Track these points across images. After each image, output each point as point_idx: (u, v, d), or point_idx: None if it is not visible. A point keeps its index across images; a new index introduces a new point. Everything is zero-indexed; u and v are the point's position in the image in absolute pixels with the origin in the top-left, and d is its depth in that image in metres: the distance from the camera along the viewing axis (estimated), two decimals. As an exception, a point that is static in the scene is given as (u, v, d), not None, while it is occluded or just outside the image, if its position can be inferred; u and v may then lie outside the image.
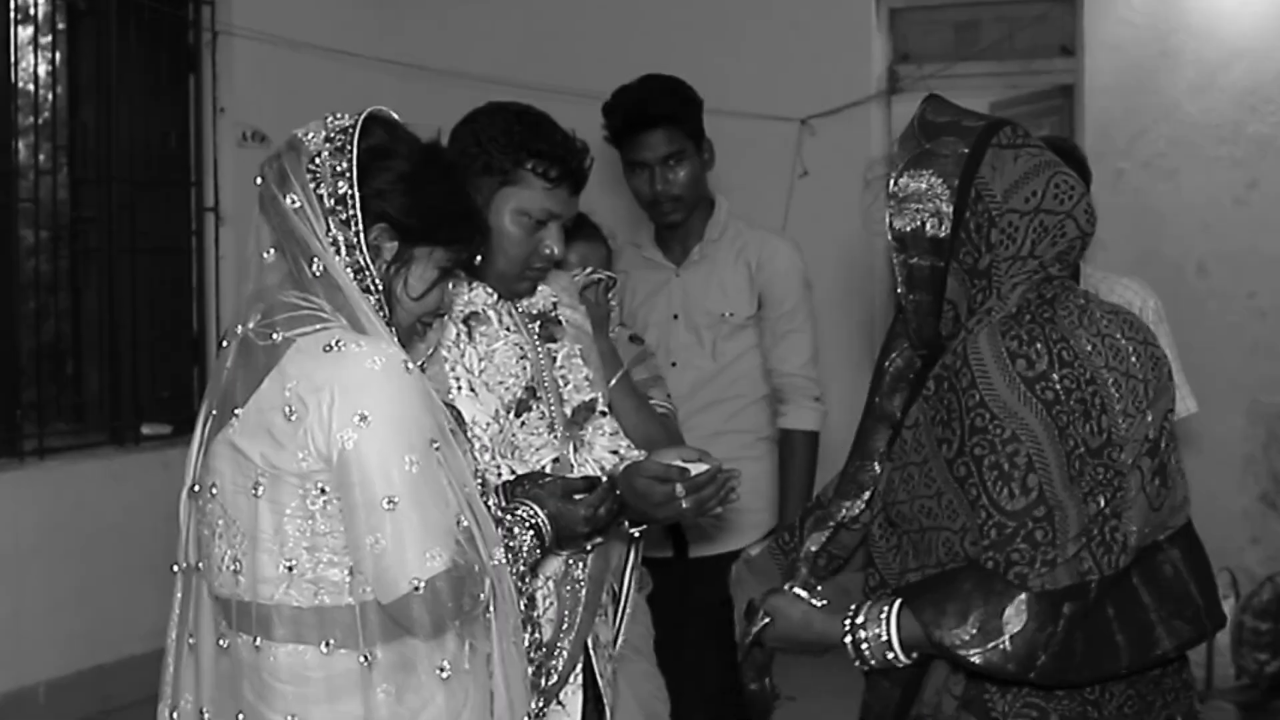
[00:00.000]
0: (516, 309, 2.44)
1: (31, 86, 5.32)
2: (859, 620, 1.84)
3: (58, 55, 5.44)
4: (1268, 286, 5.45)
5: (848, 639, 1.85)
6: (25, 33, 5.22)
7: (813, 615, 1.95)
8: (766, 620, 1.99)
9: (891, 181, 1.90)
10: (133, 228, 5.49)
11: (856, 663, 1.88)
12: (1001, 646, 1.69)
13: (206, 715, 1.84)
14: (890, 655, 1.81)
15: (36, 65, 5.30)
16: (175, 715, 1.91)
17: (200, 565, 1.87)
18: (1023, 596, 1.69)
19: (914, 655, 1.80)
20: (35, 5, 5.09)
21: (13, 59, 4.97)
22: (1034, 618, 1.69)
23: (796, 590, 2.02)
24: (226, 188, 5.79)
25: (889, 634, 1.80)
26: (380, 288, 1.83)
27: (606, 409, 2.52)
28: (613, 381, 2.69)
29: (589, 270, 2.79)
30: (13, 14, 4.94)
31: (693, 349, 3.44)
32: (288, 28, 5.89)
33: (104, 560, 5.18)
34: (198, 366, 5.81)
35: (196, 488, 1.87)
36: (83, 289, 5.56)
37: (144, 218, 5.58)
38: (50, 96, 5.35)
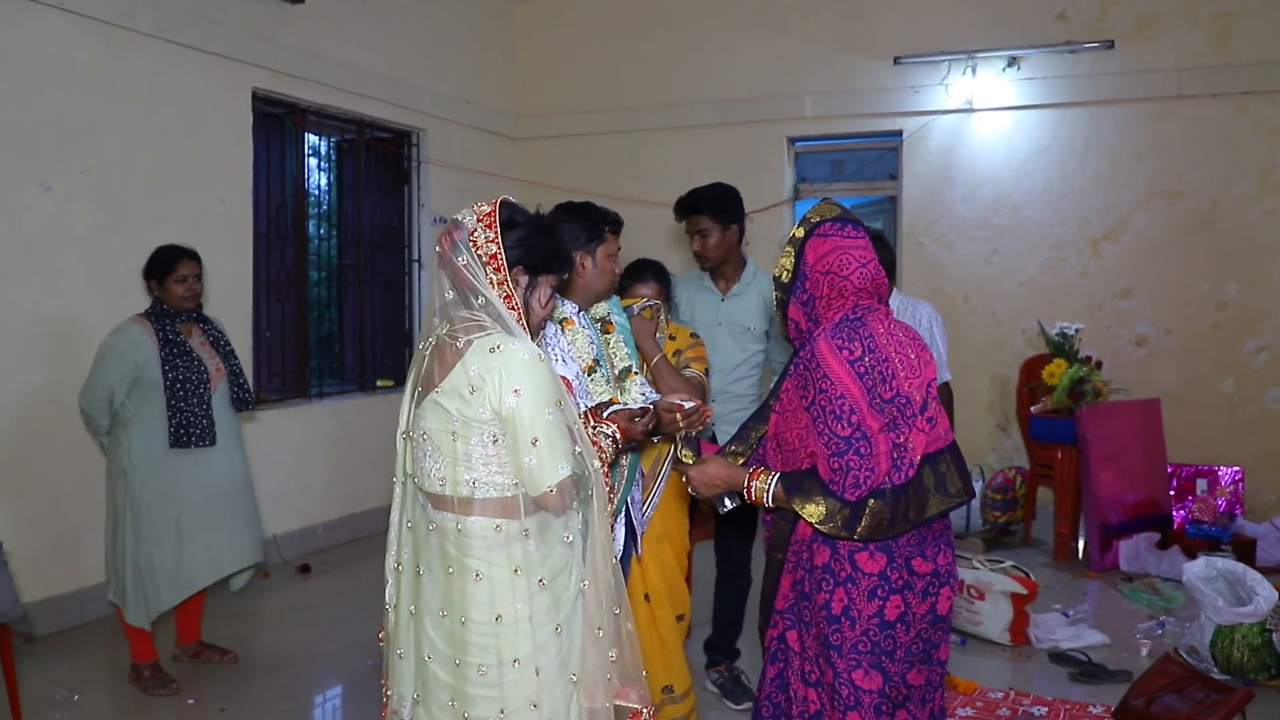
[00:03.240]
0: (587, 314, 2.73)
1: (316, 190, 6.75)
2: (755, 480, 2.23)
3: (332, 173, 6.87)
4: (1002, 308, 6.99)
5: (744, 483, 2.23)
6: (313, 160, 6.66)
7: (732, 467, 2.32)
8: (702, 460, 2.31)
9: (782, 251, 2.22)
10: (373, 270, 7.04)
11: (746, 497, 2.22)
12: (834, 524, 2.06)
13: (420, 566, 2.07)
14: (766, 501, 2.19)
15: (319, 178, 6.77)
16: (399, 565, 2.15)
17: (414, 476, 2.08)
18: (845, 500, 2.02)
19: (777, 505, 2.19)
20: (320, 144, 6.69)
21: (306, 174, 6.49)
22: (852, 514, 2.02)
23: (721, 456, 2.41)
24: (425, 248, 7.35)
25: (769, 490, 2.20)
26: (520, 304, 2.05)
27: (639, 371, 2.75)
28: (656, 359, 2.98)
29: (647, 299, 3.15)
30: (306, 149, 6.48)
31: (728, 345, 3.83)
32: (459, 158, 7.56)
33: (355, 455, 6.62)
34: (407, 348, 7.28)
35: (410, 432, 2.09)
36: (344, 304, 6.91)
37: (379, 265, 7.13)
38: (327, 196, 6.80)
